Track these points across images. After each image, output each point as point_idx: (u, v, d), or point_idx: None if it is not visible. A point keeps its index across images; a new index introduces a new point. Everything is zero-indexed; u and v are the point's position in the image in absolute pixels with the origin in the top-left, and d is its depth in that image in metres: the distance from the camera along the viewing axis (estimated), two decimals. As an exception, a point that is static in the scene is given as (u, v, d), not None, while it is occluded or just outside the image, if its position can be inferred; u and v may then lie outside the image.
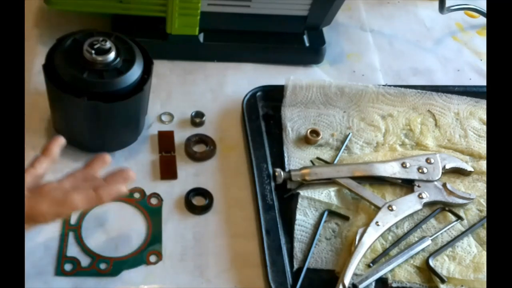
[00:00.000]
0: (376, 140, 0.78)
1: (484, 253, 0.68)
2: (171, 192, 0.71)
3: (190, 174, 0.73)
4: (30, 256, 0.63)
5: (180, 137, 0.76)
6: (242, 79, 0.84)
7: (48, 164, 0.60)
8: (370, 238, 0.66)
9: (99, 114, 0.66)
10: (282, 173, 0.71)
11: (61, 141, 0.62)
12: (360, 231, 0.67)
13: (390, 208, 0.69)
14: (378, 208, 0.69)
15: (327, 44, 0.87)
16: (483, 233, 0.70)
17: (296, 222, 0.68)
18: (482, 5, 0.97)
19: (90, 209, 0.67)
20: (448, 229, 0.70)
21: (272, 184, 0.71)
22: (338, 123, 0.79)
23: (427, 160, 0.74)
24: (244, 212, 0.70)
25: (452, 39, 0.97)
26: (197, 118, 0.77)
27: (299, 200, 0.70)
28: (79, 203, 0.56)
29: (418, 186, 0.72)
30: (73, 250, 0.64)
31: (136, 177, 0.71)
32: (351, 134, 0.78)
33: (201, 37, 0.83)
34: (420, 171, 0.73)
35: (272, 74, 0.85)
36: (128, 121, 0.71)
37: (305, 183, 0.71)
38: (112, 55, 0.64)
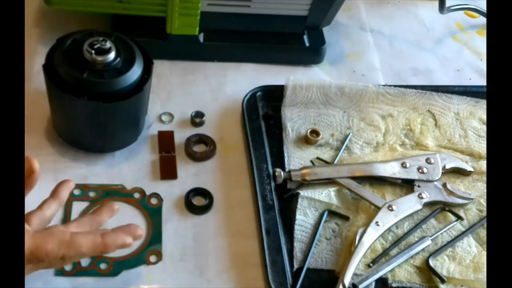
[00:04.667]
0: (376, 140, 0.78)
1: (484, 253, 0.68)
2: (171, 192, 0.71)
3: (190, 174, 0.73)
4: (30, 256, 0.63)
5: (180, 137, 0.76)
6: (242, 79, 0.84)
7: (57, 207, 0.60)
8: (370, 238, 0.66)
9: (99, 114, 0.66)
10: (282, 173, 0.71)
11: (71, 185, 0.61)
12: (360, 231, 0.67)
13: (390, 208, 0.69)
14: (378, 208, 0.69)
15: (327, 44, 0.87)
16: (483, 233, 0.70)
17: (296, 222, 0.68)
18: (482, 5, 0.97)
19: (93, 256, 0.63)
20: (448, 229, 0.70)
21: (272, 184, 0.71)
22: (338, 123, 0.79)
23: (427, 160, 0.74)
24: (244, 212, 0.70)
25: (452, 39, 0.97)
26: (197, 118, 0.77)
27: (299, 200, 0.70)
28: (84, 246, 0.54)
29: (418, 186, 0.72)
30: (73, 250, 0.64)
31: (136, 177, 0.71)
32: (351, 134, 0.78)
33: (201, 37, 0.83)
34: (420, 171, 0.73)
35: (272, 74, 0.85)
36: (128, 121, 0.71)
37: (305, 183, 0.71)
38: (112, 55, 0.64)
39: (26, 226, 0.56)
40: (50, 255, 0.53)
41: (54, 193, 0.60)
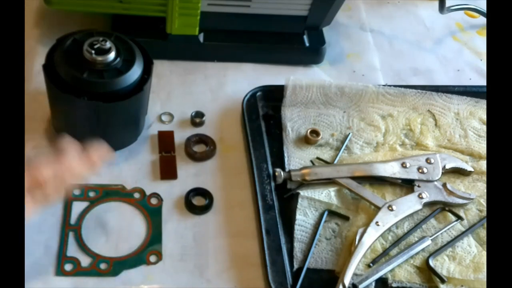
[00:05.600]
0: (376, 140, 0.78)
1: (484, 253, 0.68)
2: (171, 192, 0.71)
3: (190, 174, 0.73)
4: (30, 256, 0.63)
5: (180, 137, 0.76)
6: (242, 79, 0.84)
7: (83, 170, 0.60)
8: (370, 238, 0.66)
9: (99, 114, 0.66)
10: (282, 173, 0.71)
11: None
12: (360, 231, 0.67)
13: (390, 208, 0.69)
14: (378, 208, 0.69)
15: (327, 44, 0.87)
16: (483, 233, 0.70)
17: (296, 222, 0.68)
18: (482, 5, 0.97)
19: (85, 175, 0.61)
20: (448, 229, 0.70)
21: (272, 184, 0.71)
22: (338, 123, 0.79)
23: (427, 160, 0.74)
24: (244, 212, 0.70)
25: (452, 39, 0.97)
26: (197, 118, 0.77)
27: (299, 200, 0.70)
28: (75, 162, 0.56)
29: (418, 186, 0.72)
30: (73, 250, 0.64)
31: (136, 177, 0.71)
32: (351, 134, 0.78)
33: (201, 37, 0.83)
34: (420, 171, 0.73)
35: (272, 74, 0.85)
36: (128, 121, 0.71)
37: (305, 183, 0.71)
38: (112, 55, 0.64)
39: None
40: (43, 173, 0.54)
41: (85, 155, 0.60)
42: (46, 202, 0.55)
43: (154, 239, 0.66)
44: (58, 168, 0.56)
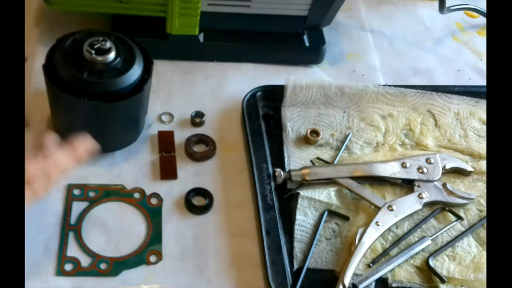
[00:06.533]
0: (376, 140, 0.78)
1: (484, 253, 0.68)
2: (171, 192, 0.71)
3: (190, 174, 0.73)
4: (30, 256, 0.62)
5: (180, 137, 0.76)
6: (242, 79, 0.84)
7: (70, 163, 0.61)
8: (370, 238, 0.66)
9: (99, 114, 0.66)
10: (282, 173, 0.71)
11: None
12: (360, 231, 0.67)
13: (390, 208, 0.69)
14: (378, 208, 0.69)
15: (327, 44, 0.87)
16: (483, 233, 0.70)
17: (296, 222, 0.68)
18: (482, 5, 0.97)
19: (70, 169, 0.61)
20: (448, 229, 0.70)
21: (272, 184, 0.71)
22: (338, 123, 0.79)
23: (427, 160, 0.74)
24: (244, 212, 0.70)
25: (452, 39, 0.97)
26: (197, 118, 0.77)
27: (299, 200, 0.70)
28: (60, 156, 0.57)
29: (418, 186, 0.72)
30: (73, 250, 0.64)
31: (136, 177, 0.71)
32: (351, 134, 0.78)
33: (201, 37, 0.83)
34: (420, 171, 0.73)
35: (272, 74, 0.85)
36: (128, 121, 0.71)
37: (305, 183, 0.71)
38: (112, 55, 0.64)
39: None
40: (34, 178, 0.54)
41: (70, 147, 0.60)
42: (34, 199, 0.55)
43: (154, 239, 0.66)
44: (44, 164, 0.56)
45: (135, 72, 0.66)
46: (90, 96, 0.63)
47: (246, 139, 0.75)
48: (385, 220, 0.68)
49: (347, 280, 0.63)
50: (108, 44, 0.64)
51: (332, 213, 0.70)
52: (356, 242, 0.66)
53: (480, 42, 0.97)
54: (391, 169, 0.73)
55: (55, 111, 0.71)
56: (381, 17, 0.98)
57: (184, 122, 0.78)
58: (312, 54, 0.87)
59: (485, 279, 0.65)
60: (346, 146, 0.76)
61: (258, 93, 0.80)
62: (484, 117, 0.81)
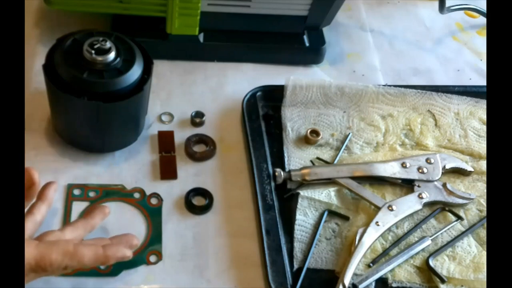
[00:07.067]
0: (376, 140, 0.78)
1: (484, 253, 0.68)
2: (171, 192, 0.71)
3: (190, 174, 0.73)
4: (30, 256, 0.63)
5: (180, 137, 0.76)
6: (242, 79, 0.84)
7: (46, 210, 0.61)
8: (370, 238, 0.66)
9: (99, 114, 0.66)
10: (282, 173, 0.71)
11: (54, 185, 0.63)
12: (360, 231, 0.67)
13: (390, 208, 0.69)
14: (378, 208, 0.69)
15: (327, 44, 0.87)
16: (483, 233, 0.70)
17: (296, 222, 0.68)
18: (482, 5, 0.97)
19: (93, 267, 0.62)
20: (448, 229, 0.70)
21: (272, 184, 0.71)
22: (338, 123, 0.79)
23: (427, 160, 0.74)
24: (244, 212, 0.70)
25: (452, 39, 0.97)
26: (197, 118, 0.77)
27: (299, 200, 0.70)
28: (87, 257, 0.55)
29: (418, 186, 0.72)
30: (73, 250, 0.64)
31: (136, 177, 0.71)
32: (351, 134, 0.78)
33: (201, 37, 0.83)
34: (420, 171, 0.73)
35: (272, 74, 0.85)
36: (128, 121, 0.71)
37: (305, 183, 0.71)
38: (112, 55, 0.64)
39: (28, 236, 0.56)
40: (53, 265, 0.53)
41: (41, 195, 0.61)
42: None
43: (154, 239, 0.66)
44: (67, 258, 0.54)
45: (135, 72, 0.65)
46: (90, 96, 0.63)
47: (246, 139, 0.75)
48: (385, 220, 0.68)
49: (347, 280, 0.63)
50: (108, 44, 0.64)
51: (332, 213, 0.70)
52: (356, 242, 0.66)
53: (480, 42, 0.97)
54: (391, 169, 0.73)
55: (55, 111, 0.71)
56: (381, 17, 0.98)
57: (184, 122, 0.78)
58: (312, 54, 0.87)
59: (485, 279, 0.65)
60: (346, 146, 0.76)
61: (258, 93, 0.80)
62: (484, 117, 0.82)
